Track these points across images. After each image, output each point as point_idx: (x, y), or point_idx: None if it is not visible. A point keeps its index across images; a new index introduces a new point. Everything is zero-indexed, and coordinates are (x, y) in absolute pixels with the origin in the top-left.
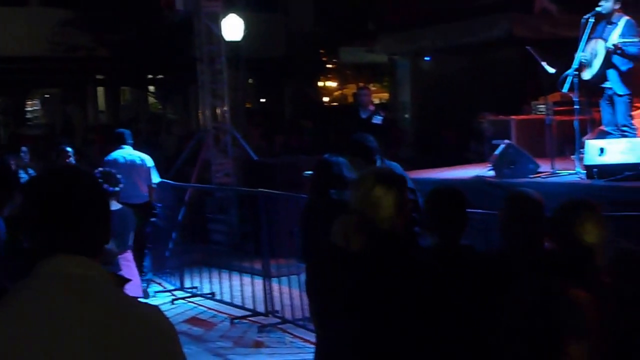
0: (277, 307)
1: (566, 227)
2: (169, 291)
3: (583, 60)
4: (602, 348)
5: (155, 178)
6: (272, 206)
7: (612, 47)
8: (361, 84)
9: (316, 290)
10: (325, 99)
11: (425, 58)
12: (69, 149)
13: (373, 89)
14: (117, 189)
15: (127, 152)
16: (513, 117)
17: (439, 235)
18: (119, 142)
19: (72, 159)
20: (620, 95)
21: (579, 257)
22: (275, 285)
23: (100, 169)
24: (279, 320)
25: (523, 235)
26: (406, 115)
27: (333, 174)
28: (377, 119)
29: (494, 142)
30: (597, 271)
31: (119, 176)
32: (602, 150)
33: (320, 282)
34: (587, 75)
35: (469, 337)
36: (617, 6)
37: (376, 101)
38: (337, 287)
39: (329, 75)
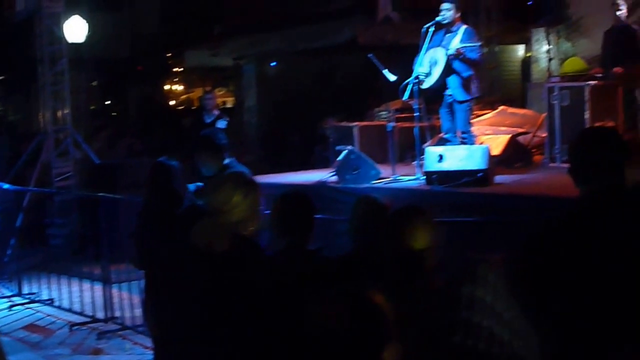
0: (117, 313)
1: (396, 233)
2: (7, 297)
3: (421, 73)
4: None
5: None
6: (112, 210)
7: (454, 52)
8: (207, 88)
9: (160, 295)
10: (172, 102)
11: (271, 63)
12: None
13: (219, 93)
14: None
15: None
16: (356, 123)
17: (286, 240)
18: None
19: None
20: (460, 103)
21: (408, 262)
22: (115, 291)
23: None
24: (118, 326)
25: (369, 240)
26: (252, 120)
27: (167, 178)
28: (222, 124)
29: (338, 147)
30: (426, 276)
31: None
32: (441, 157)
33: (169, 287)
34: (426, 83)
35: None
36: (457, 15)
37: (229, 105)
38: (195, 290)
39: (175, 79)
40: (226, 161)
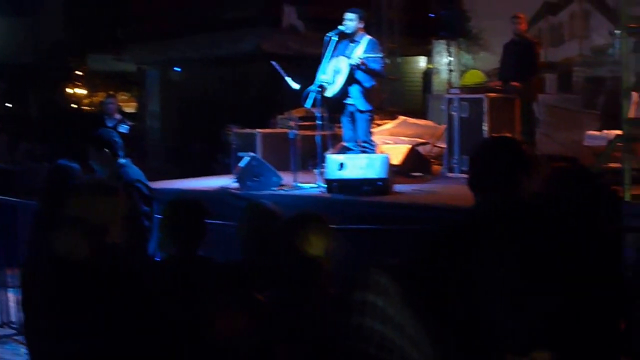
0: (13, 318)
1: (291, 239)
2: None
3: (324, 81)
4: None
5: None
6: (9, 214)
7: (357, 62)
8: (111, 93)
9: (29, 302)
10: (75, 106)
11: (175, 69)
12: None
13: (123, 98)
14: None
15: None
16: (259, 130)
17: (175, 245)
18: None
19: None
20: (362, 112)
21: (302, 269)
22: (11, 295)
23: None
24: (14, 331)
25: (259, 246)
26: (155, 126)
27: (65, 180)
28: (124, 128)
29: (240, 154)
30: (322, 282)
31: None
32: (342, 165)
33: (34, 294)
34: (329, 92)
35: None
36: (361, 25)
37: (131, 110)
38: (53, 298)
39: (78, 83)
40: (122, 161)
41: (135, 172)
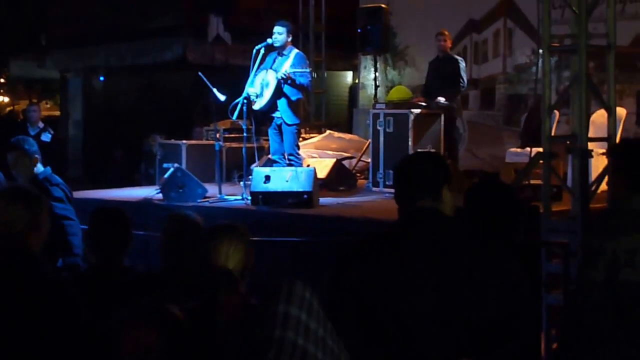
0: None
1: (207, 249)
2: None
3: (252, 93)
4: None
5: None
6: None
7: (284, 76)
8: (33, 100)
9: None
10: None
11: (100, 77)
12: None
13: (46, 106)
14: None
15: None
16: (184, 141)
17: (100, 255)
18: None
19: None
20: (289, 125)
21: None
22: None
23: None
24: None
25: (180, 256)
26: (77, 134)
27: None
28: (46, 137)
29: (164, 165)
30: (240, 294)
31: None
32: (267, 177)
33: None
34: (257, 105)
35: None
36: (289, 39)
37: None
38: None
39: (0, 90)
40: (39, 170)
41: (56, 178)
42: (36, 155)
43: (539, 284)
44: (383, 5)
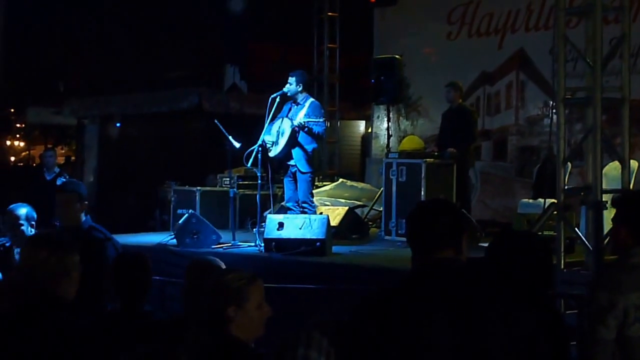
0: None
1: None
2: None
3: (268, 141)
4: None
5: None
6: None
7: (299, 125)
8: (50, 146)
9: None
10: (12, 158)
11: (117, 124)
12: None
13: (61, 151)
14: None
15: None
16: (198, 187)
17: (123, 299)
18: None
19: None
20: (303, 173)
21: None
22: None
23: None
24: None
25: (203, 303)
26: (92, 180)
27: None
28: (62, 182)
29: (179, 211)
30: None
31: None
32: (281, 224)
33: None
34: (273, 152)
35: None
36: (300, 88)
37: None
38: None
39: (17, 135)
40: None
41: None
42: (86, 202)
43: (565, 338)
44: (397, 57)
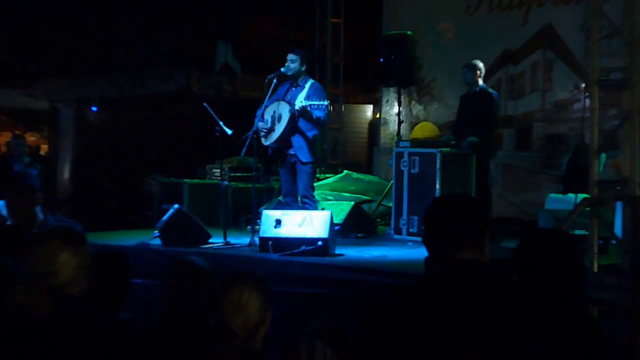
0: None
1: (218, 303)
2: None
3: (262, 128)
4: None
5: None
6: None
7: (299, 109)
8: (17, 132)
9: None
10: None
11: (92, 108)
12: None
13: (32, 138)
14: None
15: None
16: (186, 180)
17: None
18: None
19: None
20: (303, 164)
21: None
22: None
23: None
24: None
25: (186, 307)
26: (67, 171)
27: None
28: (33, 172)
29: (164, 206)
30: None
31: None
32: (278, 222)
33: None
34: (268, 140)
35: None
36: (303, 68)
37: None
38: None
39: None
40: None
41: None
42: (41, 194)
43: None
44: (409, 33)
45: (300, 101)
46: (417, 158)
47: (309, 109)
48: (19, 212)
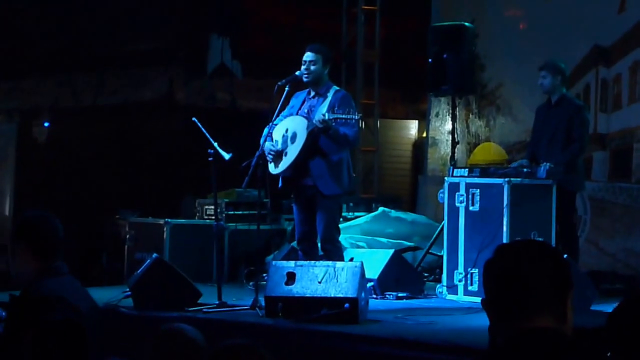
0: None
1: None
2: None
3: (270, 149)
4: None
5: None
6: None
7: (320, 125)
8: None
9: None
10: None
11: (44, 123)
12: None
13: None
14: None
15: None
16: (168, 220)
17: None
18: None
19: None
20: (325, 197)
21: None
22: None
23: None
24: None
25: None
26: (7, 207)
27: None
28: None
29: (137, 255)
30: None
31: None
32: (291, 276)
33: None
34: (279, 167)
35: None
36: (326, 71)
37: None
38: None
39: None
40: None
41: None
42: None
43: None
44: (467, 24)
45: (321, 115)
46: (477, 191)
47: (333, 124)
48: None
